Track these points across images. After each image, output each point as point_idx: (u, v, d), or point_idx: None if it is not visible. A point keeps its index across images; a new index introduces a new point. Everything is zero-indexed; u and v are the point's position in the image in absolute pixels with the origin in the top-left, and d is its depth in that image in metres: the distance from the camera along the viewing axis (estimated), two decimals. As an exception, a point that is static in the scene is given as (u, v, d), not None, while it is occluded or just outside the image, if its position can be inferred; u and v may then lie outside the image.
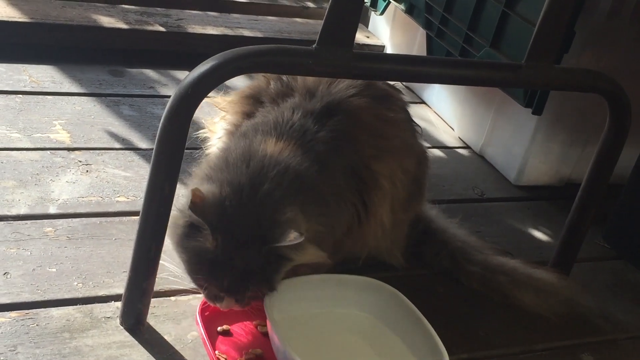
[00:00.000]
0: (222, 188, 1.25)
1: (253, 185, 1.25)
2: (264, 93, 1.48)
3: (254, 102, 1.48)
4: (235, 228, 1.22)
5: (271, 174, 1.27)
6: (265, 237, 1.21)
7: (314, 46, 1.21)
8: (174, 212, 1.24)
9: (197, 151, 1.62)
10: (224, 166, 1.30)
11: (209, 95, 1.19)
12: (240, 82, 1.90)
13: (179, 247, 1.27)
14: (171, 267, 1.31)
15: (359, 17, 1.23)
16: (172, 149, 1.18)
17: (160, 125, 1.17)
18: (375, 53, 1.88)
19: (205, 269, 1.24)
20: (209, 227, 1.21)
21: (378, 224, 1.46)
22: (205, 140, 1.62)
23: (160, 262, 1.26)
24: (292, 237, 1.19)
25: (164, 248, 1.24)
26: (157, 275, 1.27)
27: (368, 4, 2.46)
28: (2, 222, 1.46)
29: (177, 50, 2.26)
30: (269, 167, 1.28)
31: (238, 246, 1.22)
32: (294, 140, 1.34)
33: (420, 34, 2.34)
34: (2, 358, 1.17)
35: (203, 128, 1.65)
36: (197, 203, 1.20)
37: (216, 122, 1.58)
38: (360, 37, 2.56)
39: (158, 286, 1.33)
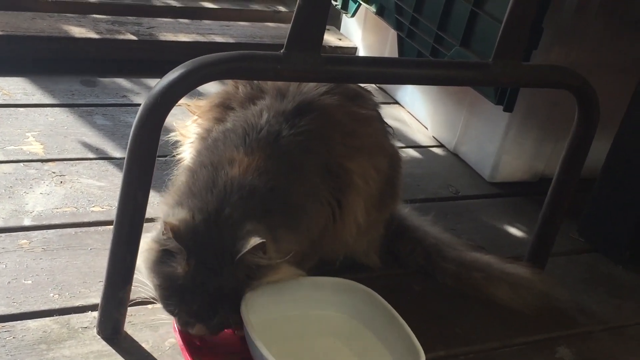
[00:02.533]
0: (194, 214, 1.26)
1: (218, 211, 1.26)
2: (233, 98, 1.48)
3: (224, 109, 1.48)
4: (204, 252, 1.23)
5: (233, 199, 1.27)
6: (230, 253, 1.22)
7: (282, 51, 1.22)
8: (146, 240, 1.26)
9: (168, 157, 1.62)
10: (191, 194, 1.31)
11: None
12: (211, 87, 1.91)
13: (151, 273, 1.27)
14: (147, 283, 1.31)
15: (326, 20, 1.23)
16: (144, 158, 1.18)
17: (131, 134, 1.17)
18: (344, 56, 1.89)
19: (176, 294, 1.25)
20: (186, 252, 1.22)
21: (353, 222, 1.46)
22: (176, 143, 1.61)
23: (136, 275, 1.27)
24: (253, 242, 1.20)
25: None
26: (133, 285, 1.27)
27: (339, 6, 2.47)
28: (-23, 236, 1.46)
29: (150, 58, 2.26)
30: (231, 193, 1.28)
31: (207, 270, 1.23)
32: (264, 148, 1.34)
33: (391, 34, 2.36)
34: (-21, 372, 1.18)
35: (173, 132, 1.65)
36: (177, 230, 1.21)
37: (187, 125, 1.59)
38: (332, 40, 2.57)
39: (134, 294, 1.33)
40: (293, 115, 1.39)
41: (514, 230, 1.89)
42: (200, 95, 1.69)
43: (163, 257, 1.25)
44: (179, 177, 1.48)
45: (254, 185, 1.30)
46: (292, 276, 1.31)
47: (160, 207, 1.40)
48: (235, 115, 1.44)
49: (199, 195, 1.29)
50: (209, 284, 1.23)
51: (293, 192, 1.35)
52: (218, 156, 1.35)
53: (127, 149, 1.18)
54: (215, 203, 1.27)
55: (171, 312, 1.27)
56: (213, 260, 1.23)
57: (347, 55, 2.44)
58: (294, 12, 1.20)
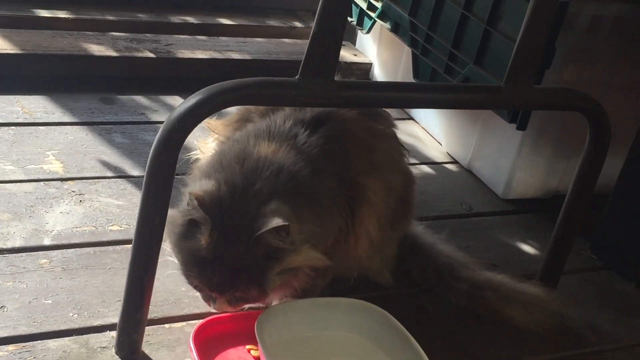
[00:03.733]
0: (219, 186, 1.28)
1: (246, 185, 1.29)
2: (253, 112, 1.51)
3: (244, 122, 1.51)
4: (227, 225, 1.25)
5: (265, 174, 1.30)
6: (251, 229, 1.24)
7: (296, 77, 1.24)
8: (173, 212, 1.28)
9: (186, 175, 1.64)
10: (219, 167, 1.34)
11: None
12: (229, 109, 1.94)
13: (175, 248, 1.30)
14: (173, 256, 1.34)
15: (340, 48, 1.26)
16: (161, 182, 1.21)
17: (149, 159, 1.20)
18: (357, 81, 1.89)
19: (197, 268, 1.27)
20: (211, 222, 1.24)
21: (365, 236, 1.47)
22: (196, 161, 1.64)
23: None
24: (275, 223, 1.22)
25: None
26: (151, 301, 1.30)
27: (354, 22, 2.50)
28: (-2, 256, 1.49)
29: (168, 75, 2.29)
30: (262, 167, 1.31)
31: (227, 243, 1.25)
32: (287, 142, 1.37)
33: (406, 51, 2.38)
34: (1, 391, 1.21)
35: (192, 150, 1.68)
36: (202, 200, 1.24)
37: (208, 143, 1.61)
38: (347, 56, 2.60)
39: (152, 313, 1.36)
40: (312, 124, 1.42)
41: (526, 248, 1.91)
42: (218, 116, 1.72)
43: (187, 231, 1.28)
44: (206, 156, 1.51)
45: (282, 165, 1.33)
46: (314, 260, 1.32)
47: (189, 178, 1.43)
48: (256, 123, 1.47)
49: (228, 167, 1.32)
50: (227, 258, 1.25)
51: (315, 185, 1.36)
52: (245, 142, 1.38)
53: (146, 173, 1.20)
54: (245, 176, 1.30)
55: (194, 287, 1.31)
56: (233, 233, 1.25)
57: (360, 81, 2.44)
58: (309, 39, 1.23)
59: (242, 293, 1.28)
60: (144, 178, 1.21)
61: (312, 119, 1.42)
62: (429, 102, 1.46)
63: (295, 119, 1.42)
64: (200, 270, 1.27)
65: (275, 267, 1.27)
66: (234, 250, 1.25)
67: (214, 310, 1.42)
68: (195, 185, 1.31)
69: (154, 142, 1.19)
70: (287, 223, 1.22)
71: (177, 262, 1.32)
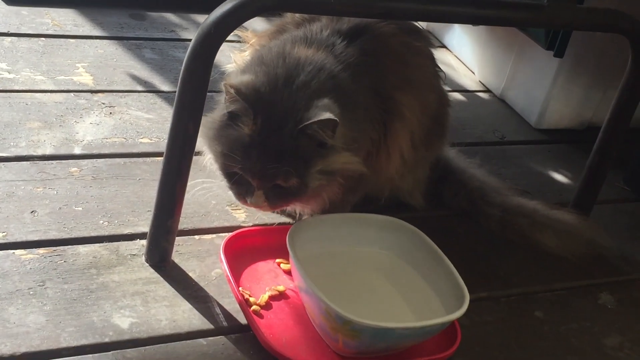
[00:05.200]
0: (257, 77, 1.26)
1: (289, 77, 1.27)
2: (289, 22, 1.48)
3: (280, 33, 1.48)
4: (272, 111, 1.23)
5: (307, 69, 1.28)
6: (300, 118, 1.22)
7: (335, -15, 1.21)
8: (207, 118, 1.27)
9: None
10: (259, 62, 1.31)
11: (235, 32, 1.19)
12: (259, 26, 1.91)
13: (214, 141, 1.27)
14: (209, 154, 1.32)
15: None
16: (196, 88, 1.19)
17: (183, 64, 1.17)
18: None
19: (240, 153, 1.23)
20: (252, 109, 1.22)
21: (398, 153, 1.45)
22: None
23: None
24: (326, 115, 1.19)
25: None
26: (182, 211, 1.29)
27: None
28: (29, 162, 1.48)
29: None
30: (304, 64, 1.29)
31: (272, 129, 1.22)
32: (324, 48, 1.35)
33: (441, -24, 2.32)
34: (31, 293, 1.20)
35: (222, 71, 1.65)
36: (239, 89, 1.21)
37: (244, 55, 1.59)
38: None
39: (182, 225, 1.36)
40: (349, 35, 1.38)
41: (559, 177, 1.88)
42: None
43: (228, 124, 1.25)
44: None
45: (323, 64, 1.30)
46: (353, 164, 1.29)
47: (226, 77, 1.39)
48: (292, 31, 1.44)
49: (268, 62, 1.30)
50: (271, 143, 1.22)
51: (353, 91, 1.33)
52: (283, 45, 1.36)
53: (180, 79, 1.18)
54: (287, 69, 1.28)
55: (230, 179, 1.27)
56: (279, 121, 1.23)
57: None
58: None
59: (283, 181, 1.24)
60: (178, 85, 1.19)
61: (350, 30, 1.39)
62: (468, 17, 1.41)
63: (333, 29, 1.39)
64: (244, 154, 1.23)
65: (317, 162, 1.25)
66: (279, 136, 1.22)
67: (244, 225, 1.42)
68: (231, 79, 1.28)
69: (190, 47, 1.17)
70: (336, 119, 1.20)
71: (213, 157, 1.29)
